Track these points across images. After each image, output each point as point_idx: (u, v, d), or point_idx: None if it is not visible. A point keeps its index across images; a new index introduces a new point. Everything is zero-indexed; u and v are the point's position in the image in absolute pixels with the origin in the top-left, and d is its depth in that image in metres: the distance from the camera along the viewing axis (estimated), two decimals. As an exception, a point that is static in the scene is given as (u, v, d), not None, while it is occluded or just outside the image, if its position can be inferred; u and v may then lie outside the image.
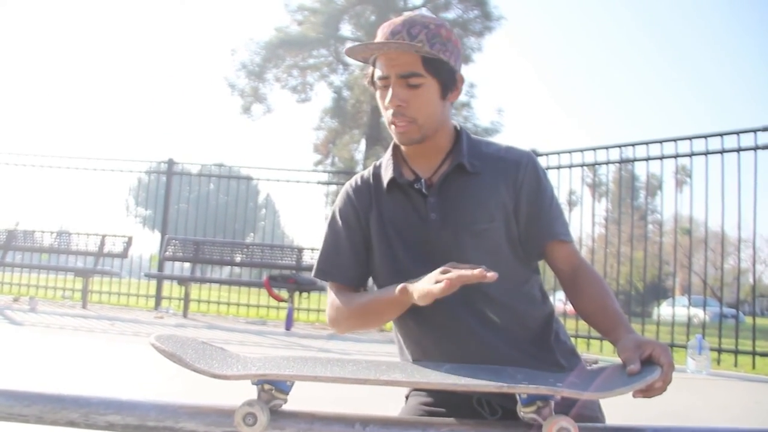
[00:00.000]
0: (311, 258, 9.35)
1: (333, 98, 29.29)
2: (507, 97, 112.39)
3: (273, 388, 1.12)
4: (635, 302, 11.95)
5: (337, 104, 28.88)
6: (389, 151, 1.69)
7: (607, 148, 7.81)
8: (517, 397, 1.11)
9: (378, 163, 1.72)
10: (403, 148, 1.64)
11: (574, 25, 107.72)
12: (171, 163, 10.89)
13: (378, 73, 1.55)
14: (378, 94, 1.58)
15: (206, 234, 11.14)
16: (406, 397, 1.67)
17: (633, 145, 7.55)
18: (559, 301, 4.18)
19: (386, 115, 1.57)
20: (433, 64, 1.52)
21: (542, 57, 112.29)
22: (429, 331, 1.57)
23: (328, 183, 12.46)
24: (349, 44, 29.25)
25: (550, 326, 1.60)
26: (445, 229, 1.55)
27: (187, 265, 9.98)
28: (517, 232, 1.58)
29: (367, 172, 1.72)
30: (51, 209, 13.95)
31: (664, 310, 7.91)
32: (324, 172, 23.26)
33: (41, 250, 10.57)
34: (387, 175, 1.64)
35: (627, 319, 1.44)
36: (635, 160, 7.61)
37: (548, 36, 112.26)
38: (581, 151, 8.00)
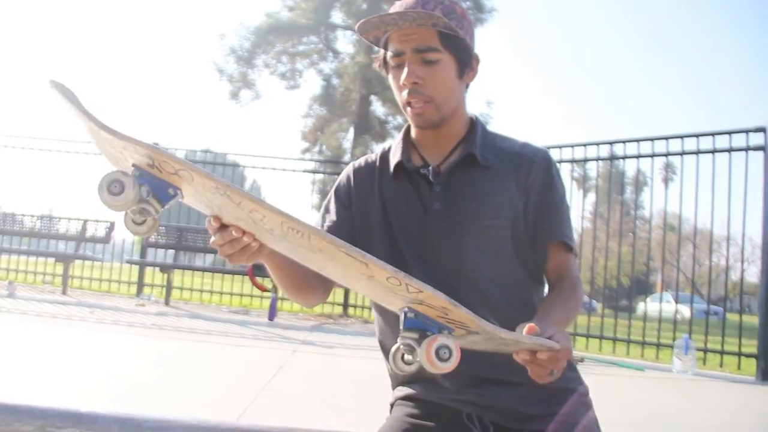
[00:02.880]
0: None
1: (322, 86, 29.12)
2: (497, 90, 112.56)
3: (151, 192, 0.94)
4: (620, 297, 11.95)
5: (326, 92, 28.72)
6: (399, 135, 1.60)
7: (597, 144, 7.75)
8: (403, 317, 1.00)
9: (387, 146, 1.63)
10: (413, 133, 1.56)
11: (566, 21, 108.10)
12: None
13: (391, 50, 1.46)
14: (391, 75, 1.49)
15: (190, 221, 11.00)
16: (391, 405, 1.58)
17: (624, 142, 7.51)
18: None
19: (401, 97, 1.47)
20: (451, 40, 1.43)
21: (533, 51, 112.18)
22: None
23: (315, 171, 12.34)
24: (340, 32, 29.27)
25: None
26: (447, 221, 1.46)
27: (170, 251, 9.85)
28: (525, 233, 1.49)
29: (375, 155, 1.64)
30: (36, 192, 13.71)
31: (649, 306, 7.93)
32: (311, 160, 23.09)
33: (21, 234, 10.40)
34: (395, 158, 1.55)
35: (554, 320, 1.28)
36: (626, 157, 7.56)
37: (539, 30, 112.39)
38: (571, 146, 7.92)
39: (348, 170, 1.65)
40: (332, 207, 1.63)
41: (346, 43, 29.72)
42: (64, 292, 9.30)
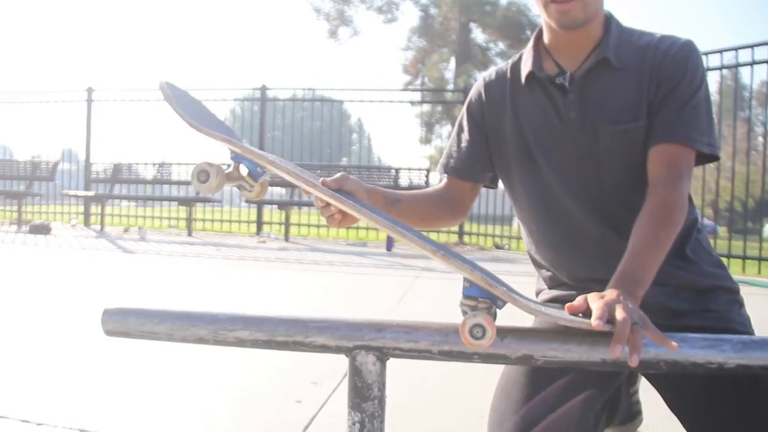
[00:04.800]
0: (408, 179, 9.31)
1: (420, 17, 28.73)
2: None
3: (248, 170, 1.13)
4: (744, 219, 11.35)
5: (425, 23, 28.28)
6: (530, 43, 1.52)
7: (720, 51, 7.27)
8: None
9: (518, 56, 1.56)
10: (546, 38, 1.48)
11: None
12: (264, 89, 10.94)
13: None
14: None
15: (302, 159, 11.24)
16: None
17: (751, 46, 6.98)
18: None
19: None
20: None
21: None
22: (564, 240, 1.47)
23: (421, 102, 12.26)
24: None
25: (691, 235, 1.45)
26: (583, 129, 1.40)
27: (285, 190, 10.12)
28: None
29: (505, 66, 1.57)
30: (152, 142, 14.34)
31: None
32: (414, 90, 22.84)
33: (145, 182, 10.97)
34: (526, 68, 1.48)
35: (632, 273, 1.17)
36: (755, 63, 7.00)
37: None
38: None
39: (479, 85, 1.60)
40: (465, 125, 1.60)
41: (442, -30, 29.05)
42: (189, 234, 9.80)
